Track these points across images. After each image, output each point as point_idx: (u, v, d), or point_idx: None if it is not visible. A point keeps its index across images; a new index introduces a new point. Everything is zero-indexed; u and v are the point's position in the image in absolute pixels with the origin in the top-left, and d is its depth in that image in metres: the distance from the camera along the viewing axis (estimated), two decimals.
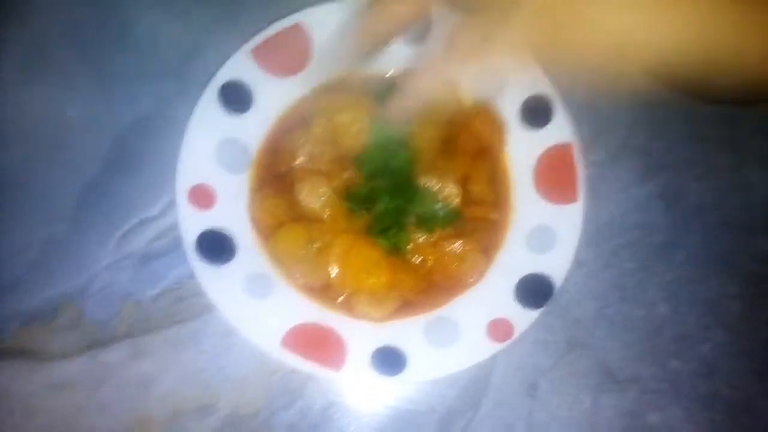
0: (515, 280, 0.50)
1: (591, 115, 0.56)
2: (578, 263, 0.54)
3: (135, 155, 0.56)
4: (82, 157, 0.56)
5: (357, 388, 0.53)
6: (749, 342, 0.54)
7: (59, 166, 0.56)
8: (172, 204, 0.54)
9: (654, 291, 0.54)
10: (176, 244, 0.54)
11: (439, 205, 0.50)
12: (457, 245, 0.50)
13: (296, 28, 0.52)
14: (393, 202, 0.49)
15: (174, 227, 0.54)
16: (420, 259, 0.51)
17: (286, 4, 0.54)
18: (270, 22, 0.53)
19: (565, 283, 0.53)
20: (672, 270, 0.55)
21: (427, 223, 0.50)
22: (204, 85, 0.52)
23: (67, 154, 0.56)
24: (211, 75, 0.52)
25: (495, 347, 0.49)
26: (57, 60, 0.58)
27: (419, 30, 0.53)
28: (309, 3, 0.53)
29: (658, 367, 0.53)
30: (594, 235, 0.55)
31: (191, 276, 0.53)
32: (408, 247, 0.50)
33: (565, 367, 0.53)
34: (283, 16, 0.53)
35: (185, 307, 0.54)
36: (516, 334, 0.49)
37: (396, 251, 0.50)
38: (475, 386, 0.53)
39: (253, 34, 0.52)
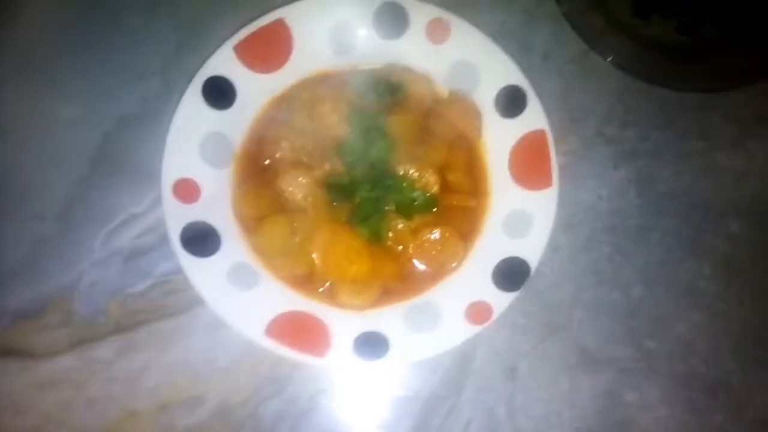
0: (493, 264, 0.52)
1: (565, 105, 0.58)
2: (555, 248, 0.56)
3: (122, 153, 0.58)
4: (70, 156, 0.57)
5: (343, 375, 0.54)
6: (724, 322, 0.55)
7: (47, 164, 0.57)
8: (158, 200, 0.55)
9: (629, 274, 0.56)
10: (163, 240, 0.55)
11: (418, 192, 0.51)
12: (436, 232, 0.52)
13: (277, 25, 0.53)
14: (373, 191, 0.51)
15: (160, 223, 0.55)
16: (400, 247, 0.52)
17: (268, 0, 0.55)
18: (252, 19, 0.54)
19: (542, 267, 0.55)
20: (647, 253, 0.56)
21: (407, 210, 0.51)
22: (188, 82, 0.53)
23: (56, 153, 0.58)
24: (195, 72, 0.53)
25: (474, 329, 0.50)
26: (44, 60, 0.59)
27: (396, 22, 0.54)
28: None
29: (634, 347, 0.55)
30: (569, 220, 0.56)
31: (178, 271, 0.54)
32: (389, 235, 0.52)
33: (543, 350, 0.55)
34: (265, 12, 0.54)
35: (172, 301, 0.55)
36: (494, 316, 0.50)
37: (377, 239, 0.51)
38: (456, 371, 0.54)
39: (236, 30, 0.54)
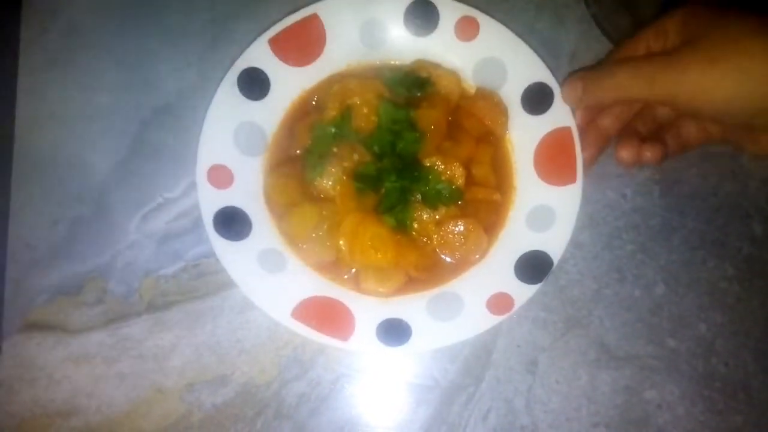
0: (516, 257, 0.52)
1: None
2: (577, 245, 0.56)
3: (158, 140, 0.60)
4: (108, 141, 0.60)
5: (364, 362, 0.55)
6: (745, 322, 0.55)
7: (86, 148, 0.60)
8: (191, 187, 0.58)
9: (652, 272, 0.56)
10: (195, 225, 0.58)
11: (444, 184, 0.52)
12: (460, 225, 0.53)
13: (311, 19, 0.55)
14: (399, 181, 0.52)
15: (194, 208, 0.58)
16: (425, 237, 0.53)
17: None
18: (288, 13, 0.56)
19: (565, 264, 0.56)
20: (669, 252, 0.56)
21: (432, 200, 0.52)
22: (222, 74, 0.55)
23: (94, 137, 0.60)
24: (229, 65, 0.55)
25: (495, 319, 0.50)
26: (87, 48, 0.62)
27: (427, 19, 0.56)
28: None
29: (655, 345, 0.55)
30: (593, 218, 0.57)
31: (208, 255, 0.56)
32: (414, 225, 0.53)
33: (563, 344, 0.55)
34: (300, 7, 0.56)
35: (203, 284, 0.57)
36: (516, 308, 0.50)
37: (402, 228, 0.53)
38: (476, 362, 0.55)
39: (272, 24, 0.56)
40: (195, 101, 0.59)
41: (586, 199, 0.54)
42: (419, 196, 0.53)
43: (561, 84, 0.53)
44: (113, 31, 0.62)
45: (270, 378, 0.55)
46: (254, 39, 0.55)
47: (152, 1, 0.63)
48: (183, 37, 0.62)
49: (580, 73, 0.51)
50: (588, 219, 0.57)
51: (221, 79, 0.55)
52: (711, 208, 0.57)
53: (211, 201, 0.52)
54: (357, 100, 0.53)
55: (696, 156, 0.58)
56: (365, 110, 0.53)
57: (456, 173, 0.53)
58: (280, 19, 0.56)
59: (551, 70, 0.55)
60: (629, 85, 0.47)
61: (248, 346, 0.55)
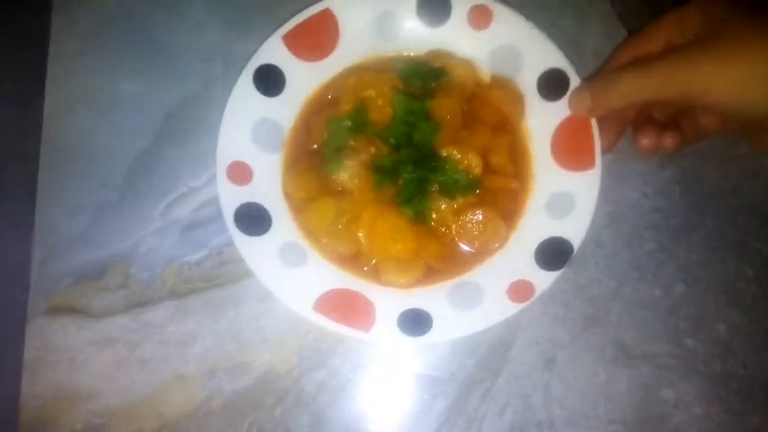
0: (536, 244, 0.53)
1: None
2: (598, 243, 0.57)
3: (183, 130, 0.61)
4: (135, 129, 0.61)
5: (383, 353, 0.56)
6: (764, 323, 0.55)
7: (113, 136, 0.61)
8: (215, 176, 0.58)
9: (671, 272, 0.56)
10: (218, 214, 0.58)
11: (461, 174, 0.52)
12: (479, 214, 0.53)
13: (325, 15, 0.56)
14: (417, 172, 0.52)
15: (217, 198, 0.57)
16: (444, 228, 0.54)
17: None
18: (303, 8, 0.56)
19: (586, 261, 0.56)
20: (689, 252, 0.57)
21: (450, 190, 0.52)
22: (243, 68, 0.56)
23: (121, 125, 0.61)
24: (250, 59, 0.56)
25: (517, 307, 0.50)
26: (115, 37, 0.63)
27: (439, 9, 0.56)
28: None
29: (673, 345, 0.55)
30: (614, 216, 0.57)
31: (231, 244, 0.56)
32: (432, 215, 0.53)
33: (582, 341, 0.55)
34: (315, 1, 0.56)
35: (225, 272, 0.57)
36: (537, 294, 0.50)
37: (421, 219, 0.53)
38: (494, 357, 0.55)
39: (288, 18, 0.56)
40: (219, 92, 0.59)
41: (606, 197, 0.55)
42: (437, 187, 0.53)
43: (571, 94, 0.53)
44: (141, 20, 0.63)
45: (290, 367, 0.55)
46: (272, 33, 0.56)
47: None
48: (208, 29, 0.63)
49: (586, 84, 0.52)
50: (609, 217, 0.57)
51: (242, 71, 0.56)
52: (731, 208, 0.57)
53: (231, 197, 0.53)
54: (372, 93, 0.54)
55: (717, 156, 0.58)
56: (380, 102, 0.54)
57: (473, 162, 0.53)
58: (296, 13, 0.56)
59: (571, 63, 0.55)
60: (639, 90, 0.47)
61: (269, 335, 0.56)
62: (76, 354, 0.56)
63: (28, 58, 0.64)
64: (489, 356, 0.55)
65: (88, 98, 0.62)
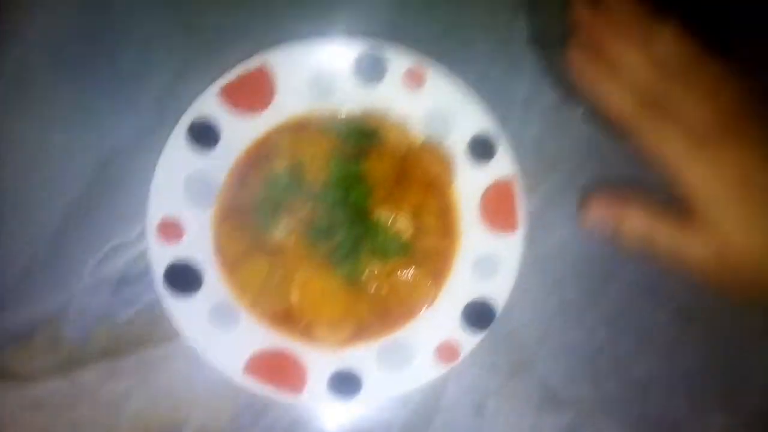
0: (462, 304, 0.54)
1: (541, 151, 0.60)
2: (524, 290, 0.58)
3: (114, 182, 0.59)
4: (64, 181, 0.59)
5: (318, 408, 0.57)
6: (679, 366, 0.58)
7: (41, 188, 0.59)
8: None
9: (594, 318, 0.59)
10: (150, 270, 0.58)
11: (392, 238, 0.54)
12: (409, 273, 0.55)
13: (261, 70, 0.56)
14: (351, 233, 0.53)
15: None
16: (375, 287, 0.55)
17: (256, 43, 0.58)
18: (239, 61, 0.56)
19: (512, 309, 0.57)
20: (610, 299, 0.59)
21: (381, 254, 0.54)
22: (178, 119, 0.55)
23: (49, 177, 0.59)
24: (184, 110, 0.56)
25: (443, 368, 0.53)
26: (41, 86, 0.61)
27: (375, 69, 0.57)
28: (276, 41, 0.57)
29: (595, 388, 0.58)
30: (540, 264, 0.59)
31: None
32: (364, 275, 0.54)
33: (510, 387, 0.57)
34: (251, 55, 0.56)
35: (157, 330, 0.57)
36: (462, 356, 0.53)
37: (353, 279, 0.54)
38: (427, 406, 0.57)
39: (225, 71, 0.56)
40: (153, 142, 0.58)
41: (533, 244, 0.57)
42: (370, 247, 0.54)
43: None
44: (68, 69, 0.61)
45: (224, 424, 0.56)
46: (204, 86, 0.55)
47: (107, 40, 0.61)
48: (139, 78, 0.61)
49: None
50: (535, 264, 0.59)
51: (176, 122, 0.55)
52: (648, 258, 0.60)
53: (161, 256, 0.53)
54: (308, 154, 0.54)
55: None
56: (316, 165, 0.54)
57: (404, 226, 0.54)
58: (231, 65, 0.56)
59: (502, 117, 0.56)
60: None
61: (202, 393, 0.56)
62: (7, 418, 0.55)
63: None
64: (421, 405, 0.57)
65: (14, 150, 0.60)
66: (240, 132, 0.57)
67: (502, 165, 0.55)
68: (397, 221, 0.54)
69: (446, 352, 0.53)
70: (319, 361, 0.53)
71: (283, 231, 0.54)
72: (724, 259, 0.42)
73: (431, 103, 0.57)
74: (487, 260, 0.55)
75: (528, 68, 0.62)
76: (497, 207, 0.55)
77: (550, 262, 0.59)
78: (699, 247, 0.43)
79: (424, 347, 0.53)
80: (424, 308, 0.55)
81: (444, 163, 0.57)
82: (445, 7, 0.62)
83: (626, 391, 0.58)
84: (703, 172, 0.42)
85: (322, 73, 0.57)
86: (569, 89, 0.59)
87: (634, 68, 0.45)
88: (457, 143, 0.57)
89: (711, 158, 0.42)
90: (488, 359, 0.58)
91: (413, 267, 0.55)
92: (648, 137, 0.44)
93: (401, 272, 0.54)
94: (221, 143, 0.56)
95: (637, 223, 0.47)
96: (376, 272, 0.54)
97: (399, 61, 0.56)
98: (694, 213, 0.43)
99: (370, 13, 0.61)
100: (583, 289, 0.59)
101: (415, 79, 0.57)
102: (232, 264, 0.55)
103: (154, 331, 0.57)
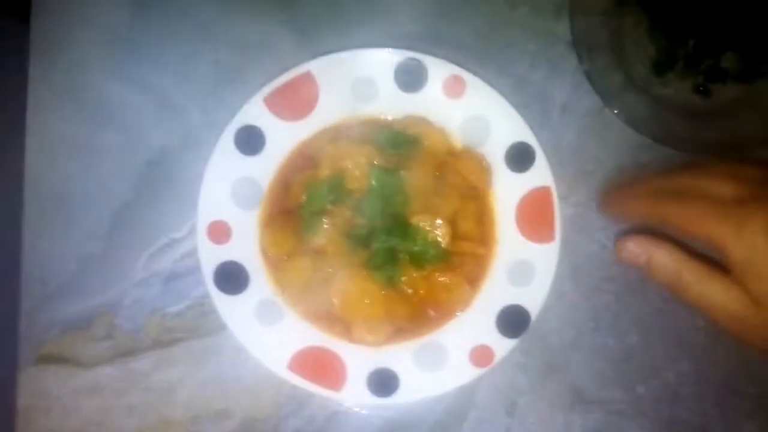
0: (497, 310, 0.56)
1: (578, 157, 0.61)
2: (559, 295, 0.60)
3: (164, 181, 0.62)
4: (117, 179, 0.62)
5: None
6: (710, 372, 0.59)
7: (96, 186, 0.62)
8: (195, 227, 0.60)
9: (626, 323, 0.60)
10: (198, 265, 0.60)
11: (431, 245, 0.55)
12: (446, 277, 0.56)
13: (305, 77, 0.57)
14: (389, 241, 0.55)
15: (197, 249, 0.60)
16: (412, 290, 0.57)
17: (299, 51, 0.60)
18: (284, 69, 0.58)
19: (546, 313, 0.59)
20: (644, 304, 0.60)
21: (419, 261, 0.55)
22: (225, 121, 0.58)
23: (103, 176, 0.63)
24: (229, 114, 0.58)
25: (477, 372, 0.55)
26: (93, 84, 0.63)
27: (416, 77, 0.58)
28: (318, 53, 0.59)
29: (624, 391, 0.59)
30: (575, 269, 0.60)
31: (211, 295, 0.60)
32: (402, 280, 0.56)
33: (541, 388, 0.59)
34: (295, 65, 0.58)
35: (206, 322, 0.60)
36: (495, 361, 0.55)
37: (391, 284, 0.56)
38: (460, 403, 0.59)
39: (270, 78, 0.58)
40: (200, 142, 0.61)
41: (569, 250, 0.58)
42: (407, 255, 0.56)
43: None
44: (119, 67, 0.64)
45: (268, 413, 0.59)
46: (251, 92, 0.57)
47: (157, 44, 0.64)
48: (187, 83, 0.63)
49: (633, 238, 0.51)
50: (570, 269, 0.60)
51: (223, 124, 0.57)
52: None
53: (210, 257, 0.56)
54: (349, 164, 0.56)
55: None
56: (357, 173, 0.56)
57: (442, 233, 0.55)
58: (273, 73, 0.58)
59: (540, 123, 0.57)
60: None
61: (248, 383, 0.60)
62: (67, 401, 0.60)
63: (7, 109, 0.65)
64: (455, 402, 0.59)
65: (69, 148, 0.63)
66: (284, 138, 0.59)
67: (540, 174, 0.56)
68: (435, 228, 0.55)
69: (480, 355, 0.55)
70: (359, 359, 0.56)
71: (323, 236, 0.56)
72: (752, 318, 0.44)
73: (471, 111, 0.58)
74: (522, 267, 0.56)
75: (569, 73, 0.62)
76: (534, 215, 0.56)
77: (585, 268, 0.61)
78: (729, 299, 0.45)
79: (459, 350, 0.55)
80: (459, 312, 0.57)
81: (482, 170, 0.58)
82: (486, 10, 0.62)
83: (656, 396, 0.59)
84: (737, 239, 0.43)
85: (363, 81, 0.58)
86: (613, 95, 0.59)
87: None
88: (495, 151, 0.58)
89: (743, 223, 0.43)
90: (521, 360, 0.59)
91: (450, 271, 0.56)
92: (674, 219, 0.47)
93: (439, 276, 0.56)
94: (266, 148, 0.58)
95: (667, 258, 0.48)
96: (414, 276, 0.56)
97: (439, 69, 0.57)
98: (732, 267, 0.44)
99: (411, 18, 0.62)
100: (616, 294, 0.60)
101: (454, 87, 0.57)
102: (277, 263, 0.57)
103: (202, 324, 0.60)
